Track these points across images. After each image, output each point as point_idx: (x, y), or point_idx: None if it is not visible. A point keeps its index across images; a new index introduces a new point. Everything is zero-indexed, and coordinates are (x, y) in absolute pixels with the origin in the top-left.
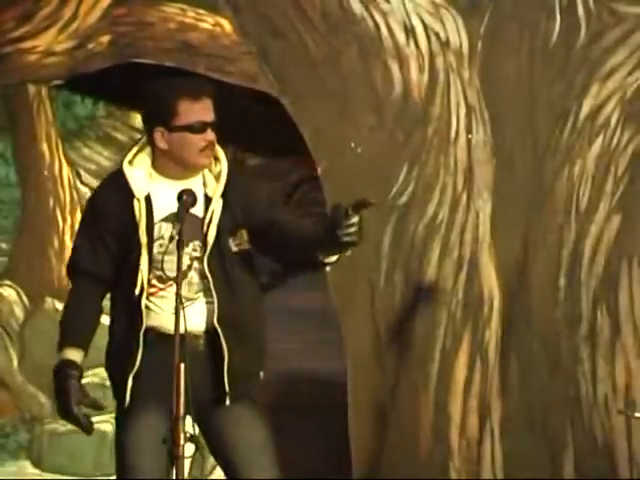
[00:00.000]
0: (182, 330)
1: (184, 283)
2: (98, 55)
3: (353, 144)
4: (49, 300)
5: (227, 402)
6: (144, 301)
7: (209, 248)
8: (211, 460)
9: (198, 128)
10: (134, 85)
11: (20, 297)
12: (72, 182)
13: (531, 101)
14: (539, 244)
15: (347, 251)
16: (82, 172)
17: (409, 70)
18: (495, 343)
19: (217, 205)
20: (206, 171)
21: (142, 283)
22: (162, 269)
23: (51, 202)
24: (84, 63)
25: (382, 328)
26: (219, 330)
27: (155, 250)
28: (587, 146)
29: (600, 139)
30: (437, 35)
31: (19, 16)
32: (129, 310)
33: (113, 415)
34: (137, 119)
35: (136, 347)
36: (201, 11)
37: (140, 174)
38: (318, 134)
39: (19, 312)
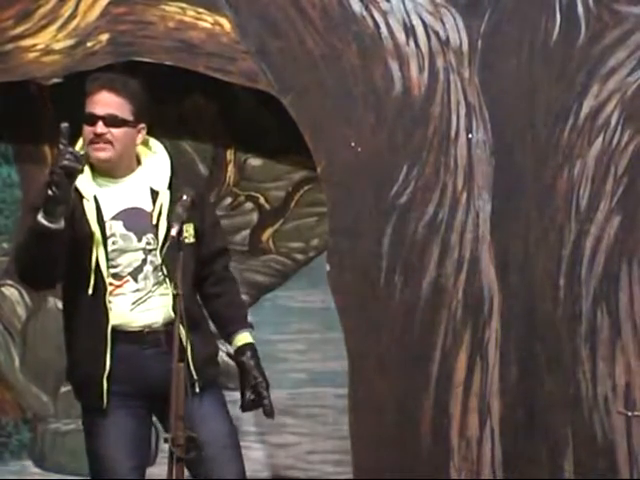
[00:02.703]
0: (140, 326)
1: (140, 277)
2: (97, 53)
3: (353, 143)
4: (51, 300)
5: (197, 390)
6: (108, 298)
7: (160, 240)
8: None
9: (89, 119)
10: None
11: (22, 296)
12: None
13: (531, 100)
14: (539, 244)
15: None
16: None
17: (409, 69)
18: (495, 343)
19: (164, 198)
20: (149, 164)
21: (104, 280)
22: (116, 267)
23: None
24: (83, 61)
25: (382, 328)
26: (177, 320)
27: (109, 248)
28: (587, 146)
29: (600, 139)
30: (437, 34)
31: (18, 14)
32: (88, 311)
33: None
34: None
35: (104, 347)
36: (201, 10)
37: (84, 177)
38: (318, 133)
39: (21, 311)
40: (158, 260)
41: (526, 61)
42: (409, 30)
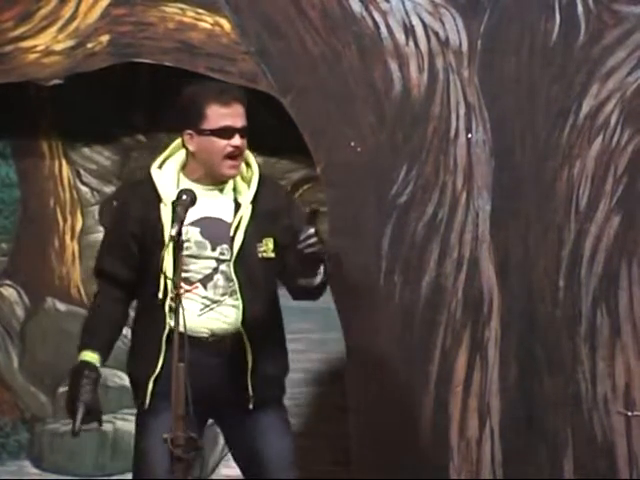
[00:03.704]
0: (206, 333)
1: (209, 285)
2: (97, 54)
3: (353, 143)
4: (49, 300)
5: (250, 406)
6: (168, 303)
7: (235, 252)
8: (211, 461)
9: (225, 133)
10: (133, 84)
11: (21, 297)
12: (72, 182)
13: (531, 100)
14: (539, 244)
15: (318, 268)
16: (82, 172)
17: (409, 69)
18: (495, 343)
19: (246, 211)
20: (239, 176)
21: (166, 285)
22: (187, 272)
23: (51, 202)
24: (84, 62)
25: (382, 328)
26: (244, 333)
27: (182, 253)
28: (587, 145)
29: (600, 138)
30: (437, 34)
31: (18, 15)
32: (152, 312)
33: (114, 415)
34: (137, 118)
35: (158, 349)
36: (200, 11)
37: (168, 179)
38: (318, 134)
39: (20, 312)
40: (230, 271)
41: (526, 61)
42: (409, 30)
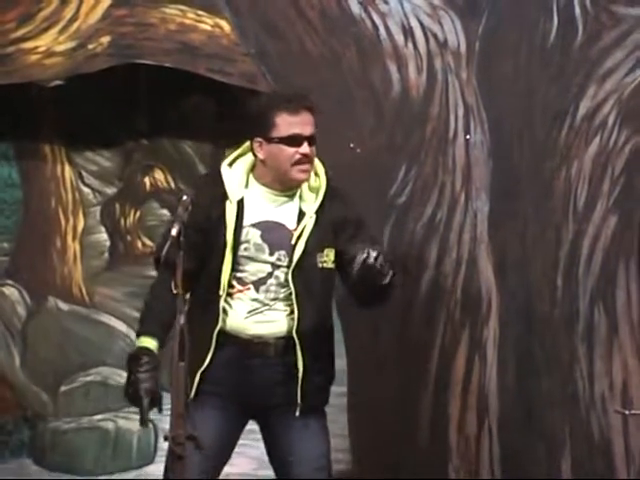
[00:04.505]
0: (251, 334)
1: (262, 289)
2: (99, 56)
3: (352, 144)
4: (51, 299)
5: (297, 413)
6: (222, 302)
7: (295, 261)
8: None
9: (293, 140)
10: (134, 86)
11: (22, 296)
12: (74, 183)
13: (529, 101)
14: (537, 243)
15: (380, 283)
16: (84, 173)
17: (407, 71)
18: (493, 341)
19: (310, 221)
20: (305, 185)
21: (224, 284)
22: (242, 272)
23: (53, 202)
24: (85, 64)
25: (382, 327)
26: (297, 341)
27: (239, 253)
28: (584, 146)
29: (597, 139)
30: (435, 36)
31: (20, 17)
32: (204, 308)
33: (116, 414)
34: (138, 120)
35: (208, 345)
36: (201, 12)
37: (237, 177)
38: (318, 134)
39: (21, 311)
40: (283, 277)
41: (524, 62)
42: (407, 32)
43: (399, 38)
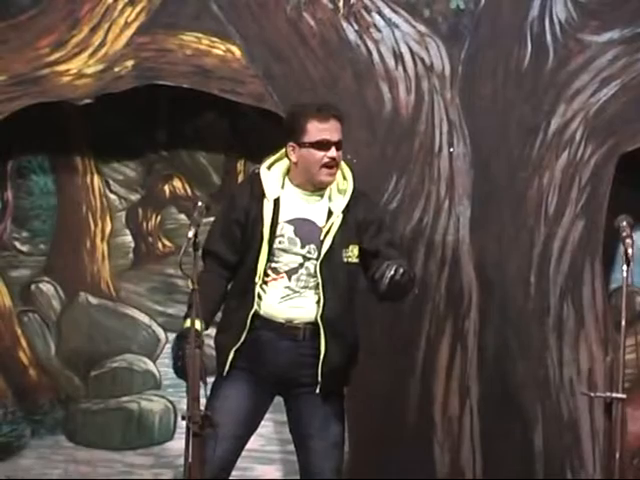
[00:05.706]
0: (283, 319)
1: (293, 278)
2: (124, 77)
3: (349, 156)
4: (82, 294)
5: (317, 391)
6: (257, 288)
7: (322, 254)
8: None
9: (322, 145)
10: (155, 104)
11: (57, 292)
12: (102, 190)
13: (505, 118)
14: (512, 245)
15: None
16: (111, 182)
17: (398, 91)
18: (473, 332)
19: (337, 219)
20: (334, 186)
21: (260, 272)
22: (277, 262)
23: (84, 208)
24: (111, 84)
25: (374, 319)
26: (321, 325)
27: (275, 246)
28: (555, 159)
29: (566, 153)
30: (422, 60)
31: (54, 43)
32: (242, 294)
33: (139, 396)
34: (158, 134)
35: (243, 326)
36: (214, 39)
37: (274, 179)
38: None
39: (56, 305)
40: (313, 268)
41: (501, 84)
42: (398, 57)
43: (390, 62)
